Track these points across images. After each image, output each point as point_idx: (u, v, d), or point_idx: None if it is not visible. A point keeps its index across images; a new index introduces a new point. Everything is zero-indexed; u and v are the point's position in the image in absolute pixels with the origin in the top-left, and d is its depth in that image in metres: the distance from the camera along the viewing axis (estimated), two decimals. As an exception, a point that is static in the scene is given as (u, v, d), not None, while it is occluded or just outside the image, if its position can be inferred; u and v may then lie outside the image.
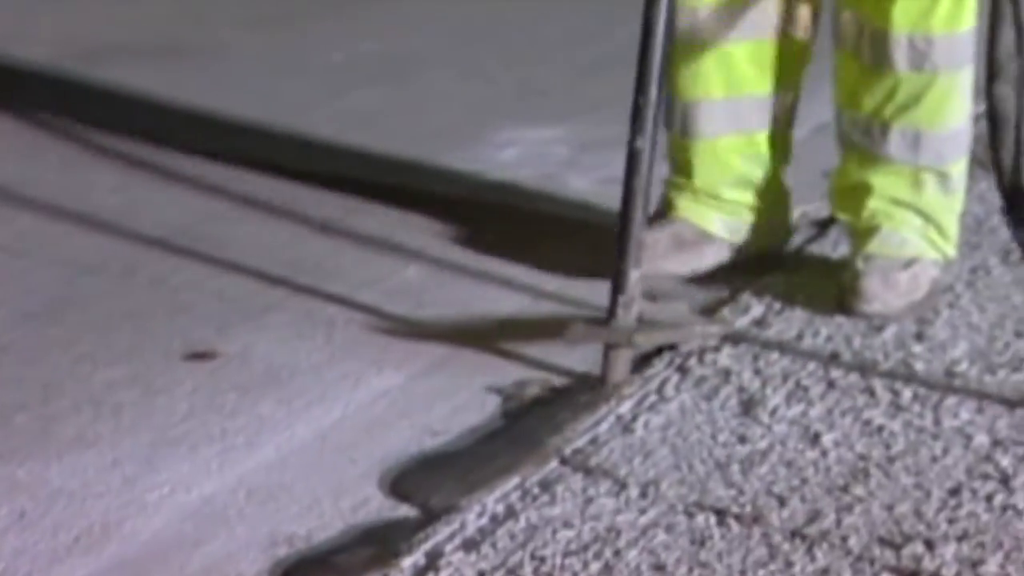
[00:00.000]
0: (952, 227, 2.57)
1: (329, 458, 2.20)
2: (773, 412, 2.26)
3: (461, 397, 2.35)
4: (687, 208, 2.68)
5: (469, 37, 4.01)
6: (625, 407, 2.29)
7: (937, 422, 2.22)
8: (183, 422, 2.27)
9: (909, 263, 2.53)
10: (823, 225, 2.86)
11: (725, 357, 2.41)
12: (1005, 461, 2.11)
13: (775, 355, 2.41)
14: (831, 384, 2.33)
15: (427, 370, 2.44)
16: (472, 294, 2.67)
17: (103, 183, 3.12)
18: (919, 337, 2.45)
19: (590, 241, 2.77)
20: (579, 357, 2.42)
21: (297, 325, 2.56)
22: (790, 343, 2.45)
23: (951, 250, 2.57)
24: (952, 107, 2.50)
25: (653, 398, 2.31)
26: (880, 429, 2.20)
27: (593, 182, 3.12)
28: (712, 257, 2.68)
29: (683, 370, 2.38)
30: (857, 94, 2.53)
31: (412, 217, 2.96)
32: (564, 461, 2.16)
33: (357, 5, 4.23)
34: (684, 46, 2.58)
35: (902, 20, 2.45)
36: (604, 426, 2.24)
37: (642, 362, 2.40)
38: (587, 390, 2.36)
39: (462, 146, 3.30)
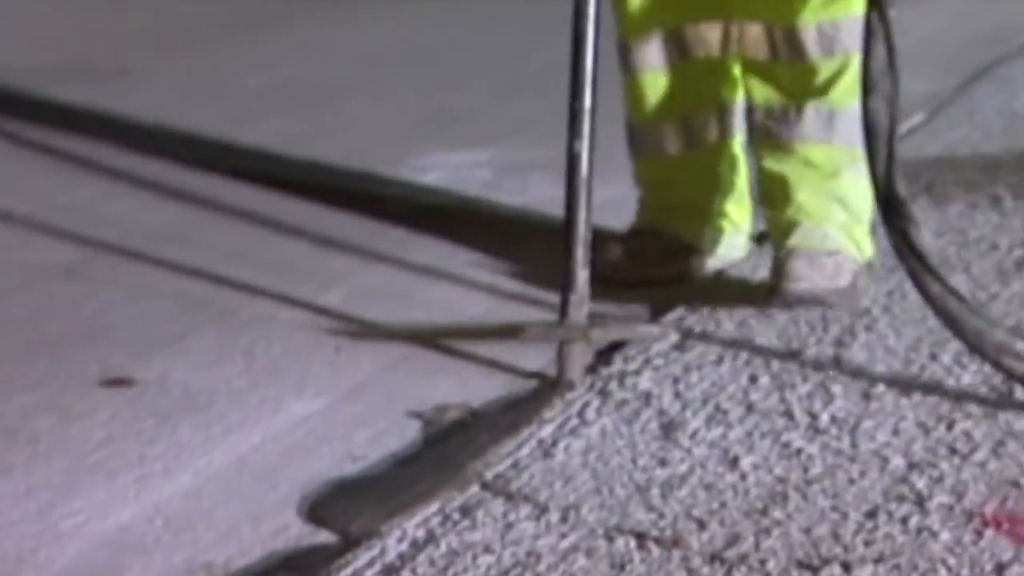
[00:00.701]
0: (863, 230, 2.65)
1: (248, 484, 2.18)
2: (693, 435, 2.27)
3: (382, 422, 2.35)
4: (667, 222, 2.79)
5: (384, 63, 4.02)
6: (546, 431, 2.30)
7: (854, 445, 2.24)
8: (100, 449, 2.25)
9: (832, 253, 2.62)
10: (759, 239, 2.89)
11: (646, 380, 2.43)
12: (920, 483, 2.14)
13: (695, 378, 2.43)
14: (750, 407, 2.35)
15: (348, 395, 2.43)
16: (399, 313, 2.67)
17: (18, 208, 3.09)
18: (837, 361, 2.48)
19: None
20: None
21: (217, 350, 2.55)
22: (711, 364, 2.47)
23: (867, 250, 2.65)
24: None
25: (574, 422, 2.32)
26: (798, 452, 2.22)
27: (514, 206, 3.14)
28: (695, 267, 2.80)
29: (604, 394, 2.39)
30: (773, 87, 2.64)
31: (333, 241, 2.96)
32: (485, 486, 2.16)
33: (271, 31, 4.22)
34: (636, 73, 2.73)
35: (807, 12, 2.58)
36: (525, 450, 2.25)
37: (568, 386, 2.41)
38: (508, 412, 2.37)
39: (383, 171, 3.30)
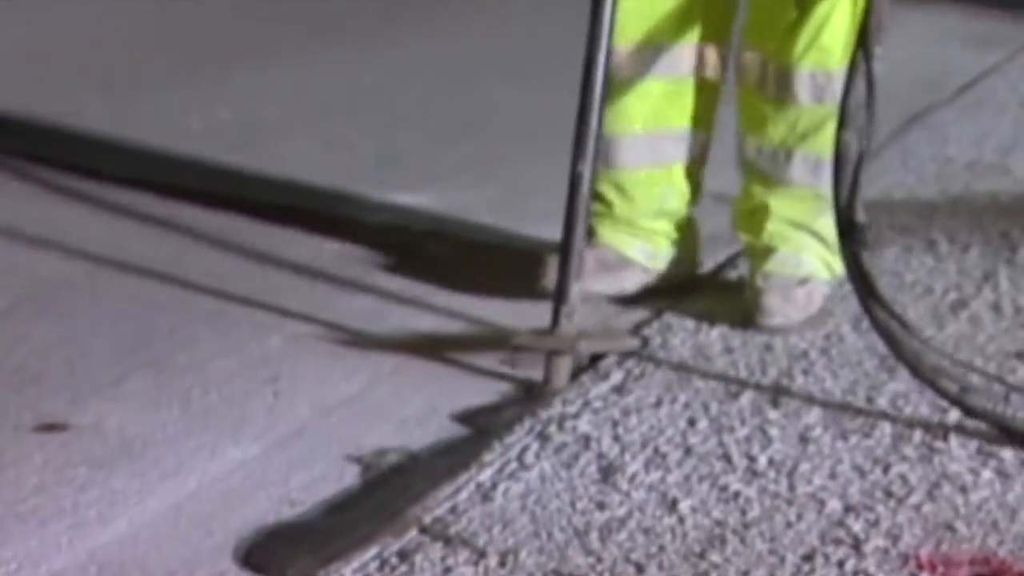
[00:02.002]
0: (833, 248, 2.70)
1: (184, 530, 2.16)
2: (632, 479, 2.27)
3: (319, 467, 2.33)
4: (608, 235, 2.83)
5: (325, 105, 4.01)
6: (485, 475, 2.29)
7: (792, 488, 2.25)
8: (32, 496, 2.22)
9: (804, 281, 2.74)
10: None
11: (585, 424, 2.43)
12: (857, 526, 2.14)
13: (634, 421, 2.43)
14: (688, 450, 2.35)
15: (286, 440, 2.42)
16: (335, 358, 2.66)
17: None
18: (774, 403, 2.49)
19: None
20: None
21: (152, 395, 2.52)
22: (648, 409, 2.47)
23: (838, 266, 2.69)
24: None
25: (513, 466, 2.31)
26: (736, 495, 2.23)
27: (455, 248, 3.13)
28: (632, 281, 2.85)
29: (543, 437, 2.39)
30: (763, 124, 2.74)
31: (271, 287, 2.94)
32: (423, 530, 2.15)
33: (213, 72, 4.21)
34: (608, 84, 2.72)
35: (803, 58, 2.66)
36: (464, 494, 2.24)
37: (507, 429, 2.41)
38: (447, 456, 2.36)
39: (326, 214, 3.29)
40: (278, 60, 4.37)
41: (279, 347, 2.70)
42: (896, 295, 2.86)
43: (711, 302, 2.83)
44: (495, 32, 4.80)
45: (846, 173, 2.45)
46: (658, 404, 2.48)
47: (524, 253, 2.99)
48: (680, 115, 2.80)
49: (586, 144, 2.55)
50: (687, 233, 2.88)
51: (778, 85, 2.70)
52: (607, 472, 2.29)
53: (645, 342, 2.68)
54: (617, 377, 2.57)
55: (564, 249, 2.55)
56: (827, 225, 2.64)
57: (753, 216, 2.79)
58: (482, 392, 2.58)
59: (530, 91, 4.12)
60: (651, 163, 2.82)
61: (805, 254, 2.76)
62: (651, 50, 2.76)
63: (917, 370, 2.40)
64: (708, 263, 2.97)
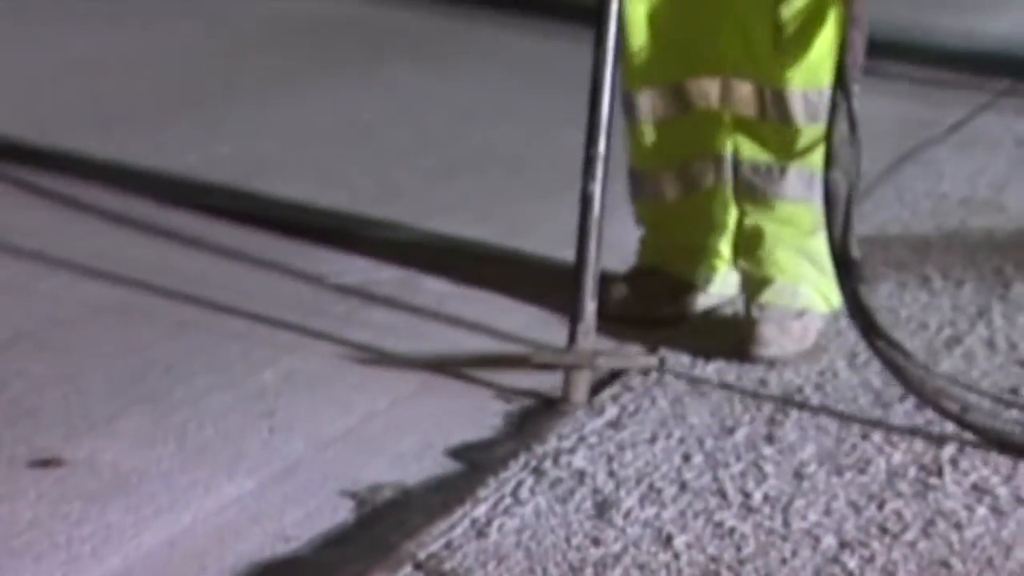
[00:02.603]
0: (830, 279, 2.70)
1: (178, 566, 2.14)
2: (627, 514, 2.26)
3: (314, 502, 2.32)
4: (665, 260, 2.91)
5: (323, 141, 4.01)
6: (480, 510, 2.27)
7: (786, 524, 2.23)
8: (27, 531, 2.21)
9: (800, 313, 2.76)
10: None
11: (580, 459, 2.41)
12: (852, 563, 2.13)
13: (629, 456, 2.42)
14: (683, 486, 2.33)
15: (280, 475, 2.40)
16: (332, 394, 2.65)
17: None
18: (769, 439, 2.47)
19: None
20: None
21: (147, 430, 2.51)
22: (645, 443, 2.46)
23: (835, 297, 2.72)
24: None
25: (508, 501, 2.30)
26: (731, 531, 2.21)
27: (450, 284, 3.13)
28: (694, 305, 2.92)
29: (538, 472, 2.37)
30: (760, 145, 2.78)
31: (269, 320, 2.94)
32: (418, 566, 2.13)
33: (212, 108, 4.21)
34: (640, 123, 2.85)
35: (796, 79, 2.71)
36: (459, 530, 2.22)
37: (502, 464, 2.40)
38: (442, 492, 2.34)
39: (322, 249, 3.29)
40: (276, 96, 4.38)
41: (274, 382, 2.69)
42: (891, 330, 2.85)
43: (705, 336, 2.83)
44: (492, 69, 4.81)
45: (838, 211, 2.49)
46: (653, 439, 2.47)
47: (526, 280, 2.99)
48: (712, 143, 2.85)
49: (595, 166, 2.63)
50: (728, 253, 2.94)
51: (776, 108, 2.75)
52: (602, 508, 2.27)
53: (663, 362, 2.71)
54: (612, 412, 2.56)
55: (578, 268, 2.62)
56: (822, 243, 2.65)
57: (749, 243, 2.82)
58: (479, 428, 2.57)
59: (527, 129, 4.12)
60: (691, 193, 2.89)
61: (802, 285, 2.77)
62: (664, 90, 2.84)
63: (922, 394, 2.45)
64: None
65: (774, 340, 2.72)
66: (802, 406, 2.58)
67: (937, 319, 2.92)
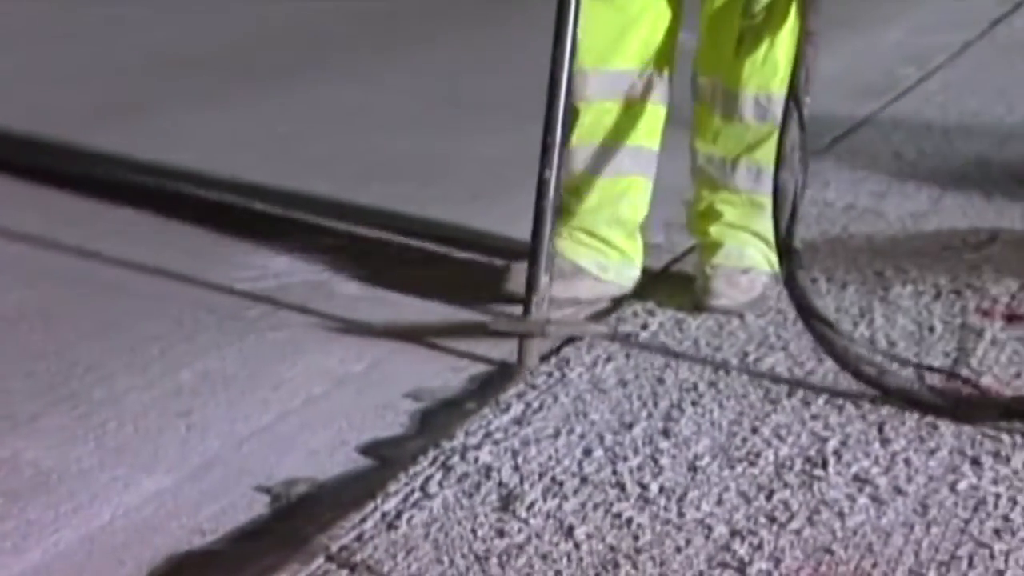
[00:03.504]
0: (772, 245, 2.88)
1: (97, 561, 2.11)
2: (530, 507, 2.25)
3: (230, 497, 2.30)
4: (565, 245, 2.98)
5: (238, 150, 3.98)
6: (390, 504, 2.26)
7: (681, 514, 2.24)
8: (-52, 528, 2.17)
9: (746, 270, 2.97)
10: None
11: (486, 454, 2.41)
12: (742, 550, 2.14)
13: (533, 451, 2.42)
14: (584, 479, 2.34)
15: (197, 471, 2.37)
16: (249, 393, 2.62)
17: None
18: (665, 434, 2.49)
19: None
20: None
21: (68, 429, 2.47)
22: (548, 437, 2.46)
23: (770, 266, 2.94)
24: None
25: (417, 495, 2.29)
26: (629, 522, 2.22)
27: (363, 286, 3.11)
28: (585, 290, 3.00)
29: (446, 467, 2.37)
30: (714, 137, 2.96)
31: (186, 321, 2.91)
32: (330, 558, 2.12)
33: (131, 119, 4.16)
34: (587, 102, 2.95)
35: (749, 82, 2.90)
36: (369, 523, 2.21)
37: (411, 460, 2.39)
38: (354, 486, 2.33)
39: (236, 253, 3.26)
40: (197, 108, 4.34)
41: (192, 382, 2.66)
42: (778, 331, 2.88)
43: (662, 295, 3.00)
44: (406, 80, 4.80)
45: (785, 206, 2.67)
46: (556, 435, 2.47)
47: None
48: (634, 134, 2.98)
49: (552, 154, 2.76)
50: (636, 246, 3.04)
51: (726, 105, 2.93)
52: (507, 501, 2.27)
53: (615, 332, 2.82)
54: (517, 409, 2.56)
55: (534, 243, 2.75)
56: (767, 227, 2.82)
57: (704, 218, 3.02)
58: (389, 426, 2.56)
59: (437, 138, 4.12)
60: (609, 174, 2.99)
61: (748, 248, 2.98)
62: (610, 75, 2.95)
63: (845, 362, 2.61)
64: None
65: (724, 292, 2.93)
66: (696, 403, 2.60)
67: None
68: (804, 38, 2.75)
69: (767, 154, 2.82)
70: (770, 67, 2.89)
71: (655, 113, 2.98)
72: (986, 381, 2.66)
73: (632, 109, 2.96)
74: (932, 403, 2.53)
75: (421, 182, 3.75)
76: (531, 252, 2.75)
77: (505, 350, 2.77)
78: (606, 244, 3.01)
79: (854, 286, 3.10)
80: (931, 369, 2.65)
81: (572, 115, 2.90)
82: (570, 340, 2.80)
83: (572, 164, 2.95)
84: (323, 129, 4.18)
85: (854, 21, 5.13)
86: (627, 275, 3.03)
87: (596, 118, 2.95)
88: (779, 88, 2.83)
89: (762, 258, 2.98)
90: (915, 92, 4.66)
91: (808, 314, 2.65)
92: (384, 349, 2.84)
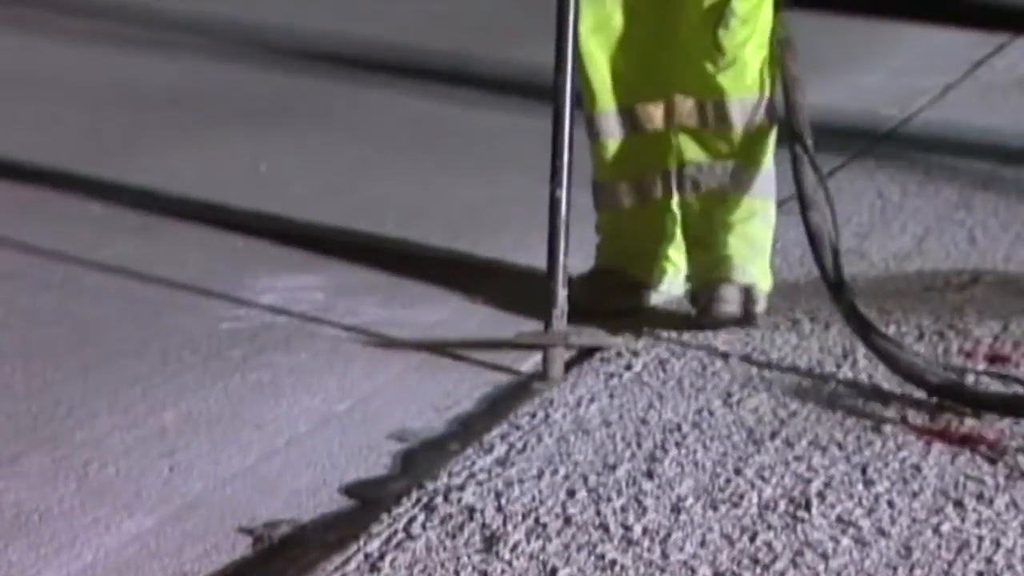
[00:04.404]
0: (767, 257, 3.16)
1: (78, 603, 2.11)
2: (514, 548, 2.25)
3: (212, 539, 2.29)
4: (615, 259, 3.20)
5: (225, 190, 3.98)
6: (373, 545, 2.26)
7: (665, 556, 2.24)
8: (-71, 570, 2.15)
9: (747, 286, 3.10)
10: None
11: (470, 495, 2.40)
12: (726, 592, 2.14)
13: (516, 492, 2.42)
14: (568, 520, 2.34)
15: (180, 512, 2.37)
16: (230, 433, 2.62)
17: None
18: (649, 475, 2.49)
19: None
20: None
21: (50, 470, 2.46)
22: (532, 479, 2.46)
23: (767, 284, 3.15)
24: (766, 152, 3.12)
25: (400, 536, 2.28)
26: (613, 563, 2.21)
27: (347, 327, 3.11)
28: (641, 299, 3.21)
29: (429, 508, 2.36)
30: (701, 148, 3.11)
31: (170, 362, 2.90)
32: (313, 600, 2.11)
33: (115, 160, 4.17)
34: (599, 140, 3.16)
35: (731, 89, 3.06)
36: (352, 564, 2.20)
37: (394, 501, 2.38)
38: (337, 527, 2.32)
39: (221, 293, 3.26)
40: (186, 143, 4.35)
41: (175, 423, 2.66)
42: (761, 372, 2.89)
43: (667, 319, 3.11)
44: (388, 123, 4.82)
45: (824, 245, 2.87)
46: (539, 476, 2.47)
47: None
48: (662, 159, 3.16)
49: (561, 175, 2.93)
50: (681, 255, 3.22)
51: (716, 116, 3.08)
52: (490, 542, 2.27)
53: (627, 345, 2.97)
54: (501, 450, 2.56)
55: (550, 261, 2.92)
56: (759, 235, 3.11)
57: (699, 232, 3.15)
58: (372, 467, 2.55)
59: (419, 181, 4.12)
60: (645, 201, 3.18)
61: (749, 266, 3.11)
62: (617, 113, 3.14)
63: (912, 376, 2.75)
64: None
65: (733, 300, 3.06)
66: (680, 443, 2.60)
67: (805, 360, 2.95)
68: (792, 86, 2.97)
69: (755, 156, 3.08)
70: (746, 74, 3.05)
71: (666, 137, 3.16)
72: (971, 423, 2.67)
73: (657, 138, 3.15)
74: (995, 402, 2.68)
75: (400, 224, 3.75)
76: (549, 269, 2.92)
77: (489, 386, 2.77)
78: (654, 257, 3.22)
79: (837, 327, 3.11)
80: (987, 375, 2.83)
81: (598, 151, 3.14)
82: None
83: (609, 198, 3.19)
84: (301, 171, 4.18)
85: (836, 64, 5.16)
86: (677, 283, 3.24)
87: (624, 153, 3.15)
88: (759, 89, 3.06)
89: (762, 276, 3.13)
90: (898, 133, 4.68)
91: (872, 336, 2.80)
92: (367, 389, 2.84)
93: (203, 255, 3.49)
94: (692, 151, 3.11)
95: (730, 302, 3.06)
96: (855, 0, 3.14)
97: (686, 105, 3.10)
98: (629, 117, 3.15)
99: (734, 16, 3.03)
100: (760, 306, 3.09)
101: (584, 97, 3.12)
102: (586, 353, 2.92)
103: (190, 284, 3.31)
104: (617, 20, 3.11)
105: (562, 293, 2.91)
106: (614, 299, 3.15)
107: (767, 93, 3.09)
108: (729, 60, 3.05)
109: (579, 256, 3.11)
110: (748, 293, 3.09)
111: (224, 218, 3.74)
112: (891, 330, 3.06)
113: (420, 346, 2.99)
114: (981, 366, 2.90)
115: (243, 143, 4.43)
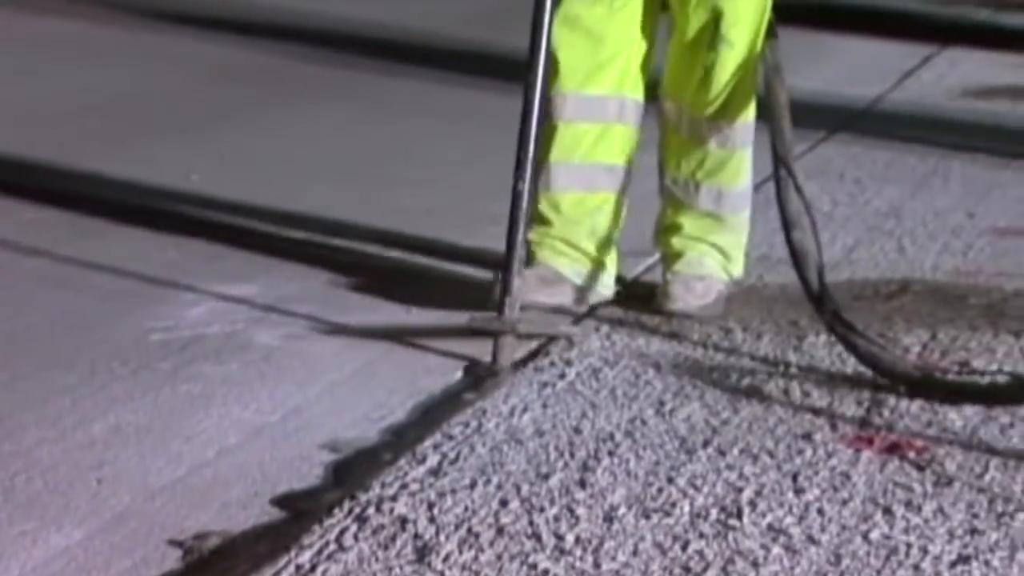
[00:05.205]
0: (738, 256, 3.27)
1: (4, 618, 2.07)
2: (446, 559, 2.24)
3: (141, 552, 2.26)
4: (548, 255, 3.21)
5: (158, 199, 3.95)
6: (304, 557, 2.24)
7: (597, 565, 2.23)
8: None
9: (702, 277, 3.20)
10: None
11: (402, 505, 2.39)
12: (658, 601, 2.14)
13: (449, 503, 2.40)
14: (501, 530, 2.33)
15: (109, 525, 2.33)
16: (159, 448, 2.59)
17: None
18: (582, 484, 2.48)
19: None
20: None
21: (-24, 483, 2.42)
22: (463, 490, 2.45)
23: (736, 272, 3.27)
24: (743, 173, 3.24)
25: (332, 547, 2.27)
26: (545, 573, 2.21)
27: (279, 338, 3.09)
28: (568, 296, 3.22)
29: (361, 519, 2.35)
30: (678, 160, 3.22)
31: (98, 373, 2.87)
32: (243, 613, 2.09)
33: (49, 167, 4.12)
34: (549, 122, 3.17)
35: (711, 112, 3.14)
36: (284, 576, 2.19)
37: (326, 512, 2.36)
38: (267, 539, 2.30)
39: (151, 304, 3.23)
40: (124, 151, 4.31)
41: (104, 435, 2.62)
42: (694, 381, 2.90)
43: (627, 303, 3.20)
44: (317, 130, 4.80)
45: (809, 265, 2.97)
46: (472, 486, 2.46)
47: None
48: (609, 153, 3.19)
49: (524, 168, 2.99)
50: (612, 257, 3.25)
51: (691, 130, 3.18)
52: (423, 553, 2.25)
53: (584, 332, 3.07)
54: (434, 460, 2.55)
55: (508, 249, 2.97)
56: (725, 240, 3.22)
57: (668, 232, 3.25)
58: (304, 478, 2.53)
59: (349, 188, 4.11)
60: (586, 189, 3.20)
61: (706, 258, 3.22)
62: (588, 99, 3.17)
63: (895, 375, 2.84)
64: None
65: (680, 297, 3.17)
66: (612, 452, 2.60)
67: (738, 369, 2.96)
68: (780, 110, 3.04)
69: (727, 177, 3.19)
70: (731, 97, 3.13)
71: (628, 134, 3.20)
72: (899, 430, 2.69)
73: (608, 131, 3.18)
74: (974, 393, 2.79)
75: (335, 231, 3.73)
76: (506, 259, 2.97)
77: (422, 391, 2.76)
78: (584, 254, 3.21)
79: (769, 335, 3.13)
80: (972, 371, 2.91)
81: (549, 132, 3.14)
82: (492, 389, 2.82)
83: (551, 179, 3.17)
84: (236, 178, 4.15)
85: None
86: (604, 283, 3.25)
87: (574, 138, 3.17)
88: (739, 117, 3.15)
89: (718, 267, 3.23)
90: (828, 143, 4.72)
91: (857, 343, 2.87)
92: (299, 399, 2.81)
93: (135, 264, 3.45)
94: (672, 164, 3.21)
95: (677, 300, 3.15)
96: (784, 11, 3.16)
97: (670, 108, 3.19)
98: (601, 105, 3.19)
99: (723, 41, 3.11)
100: (711, 297, 3.18)
101: (553, 73, 3.14)
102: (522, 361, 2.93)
103: (121, 294, 3.28)
104: (599, 13, 3.13)
105: (517, 282, 2.97)
106: (544, 293, 3.18)
107: (747, 121, 3.18)
108: (713, 85, 3.12)
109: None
110: (699, 284, 3.18)
111: (157, 227, 3.71)
112: (822, 339, 3.09)
113: (375, 333, 3.04)
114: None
115: (176, 151, 4.40)
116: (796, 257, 2.98)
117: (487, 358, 2.95)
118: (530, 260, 3.18)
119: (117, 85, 5.20)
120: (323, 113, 4.99)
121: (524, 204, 2.98)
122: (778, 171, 3.02)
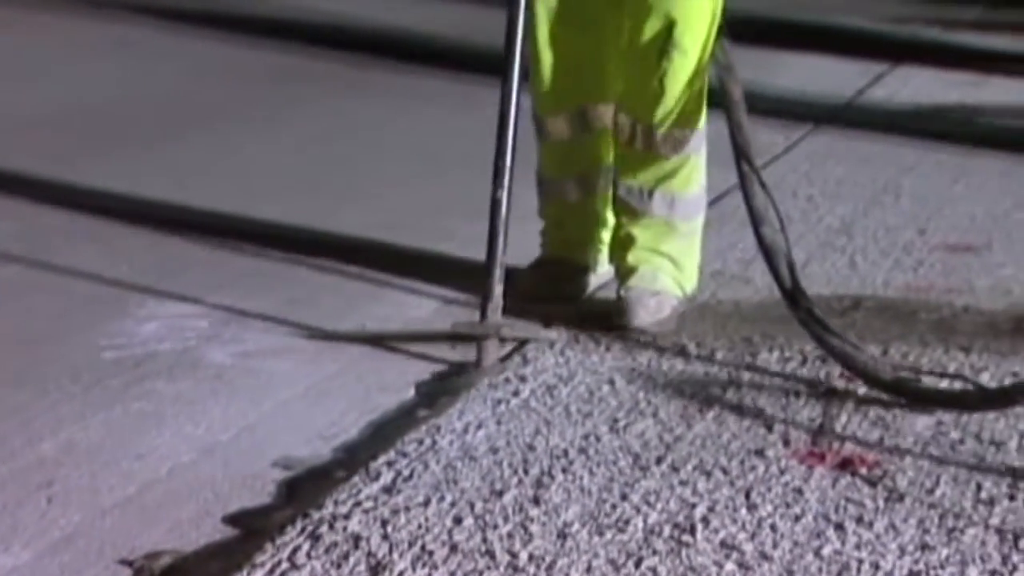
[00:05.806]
0: (691, 269, 3.34)
1: (-50, 640, 2.04)
2: (399, 576, 2.23)
3: (91, 572, 2.23)
4: (568, 251, 3.41)
5: (108, 213, 3.92)
6: (258, 575, 2.22)
7: (551, 582, 2.23)
8: None
9: (656, 293, 3.25)
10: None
11: (355, 523, 2.38)
12: (612, 618, 2.14)
13: (403, 520, 2.39)
14: (454, 547, 2.32)
15: (58, 545, 2.31)
16: (114, 461, 2.56)
17: None
18: (536, 501, 2.48)
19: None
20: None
21: (-77, 503, 2.39)
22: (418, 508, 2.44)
23: (689, 286, 3.34)
24: (696, 178, 3.31)
25: (284, 566, 2.25)
26: (498, 590, 2.20)
27: (232, 355, 3.07)
28: (591, 283, 3.42)
29: (314, 537, 2.33)
30: (631, 170, 3.28)
31: (49, 391, 2.84)
32: (194, 633, 2.07)
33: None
34: (548, 141, 3.37)
35: (665, 120, 3.21)
36: (235, 595, 2.17)
37: (279, 530, 2.35)
38: (219, 558, 2.28)
39: (103, 321, 3.20)
40: (74, 168, 4.27)
41: (53, 453, 2.59)
42: (649, 397, 2.90)
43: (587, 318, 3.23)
44: (272, 146, 4.78)
45: (780, 260, 2.99)
46: (426, 503, 2.45)
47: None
48: (601, 157, 3.35)
49: (503, 177, 3.08)
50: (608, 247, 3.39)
51: (645, 141, 3.23)
52: (376, 571, 2.24)
53: (555, 338, 3.13)
54: (387, 477, 2.53)
55: (489, 258, 3.05)
56: (678, 249, 3.29)
57: (623, 245, 3.31)
58: (256, 496, 2.51)
59: (303, 206, 4.09)
60: (586, 196, 3.38)
61: (660, 273, 3.28)
62: (575, 114, 3.32)
63: (867, 375, 2.88)
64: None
65: (634, 313, 3.20)
66: (566, 469, 2.59)
67: (691, 385, 2.97)
68: (734, 106, 3.08)
69: (680, 183, 3.26)
70: (685, 104, 3.19)
71: (609, 137, 3.33)
72: (850, 446, 2.70)
73: (598, 138, 3.34)
74: (944, 398, 2.84)
75: (289, 247, 3.72)
76: (487, 265, 3.05)
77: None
78: (598, 243, 3.41)
79: (722, 352, 3.13)
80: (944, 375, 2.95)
81: (550, 150, 3.34)
82: (443, 406, 2.81)
83: (555, 192, 3.39)
84: (192, 193, 4.13)
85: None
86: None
87: (569, 153, 3.35)
88: (691, 123, 3.22)
89: (672, 282, 3.29)
90: (781, 160, 4.75)
91: (829, 339, 2.91)
92: (252, 417, 2.80)
93: (87, 281, 3.42)
94: (624, 172, 3.28)
95: (631, 316, 3.19)
96: (737, 29, 3.18)
97: (622, 121, 3.25)
98: (579, 119, 3.33)
99: (676, 48, 3.16)
100: (664, 313, 3.23)
101: (534, 100, 3.33)
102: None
103: (72, 311, 3.25)
104: (570, 33, 3.27)
105: (498, 288, 3.05)
106: (560, 286, 3.36)
107: (700, 127, 3.24)
108: (667, 92, 3.18)
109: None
110: (653, 300, 3.22)
111: (109, 241, 3.68)
112: (775, 355, 3.10)
113: (357, 338, 3.09)
114: (863, 389, 2.94)
115: (128, 165, 4.37)
116: (767, 253, 3.02)
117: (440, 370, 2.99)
118: (550, 257, 3.38)
119: (63, 93, 5.16)
120: (283, 129, 4.97)
121: (503, 212, 3.07)
122: (740, 165, 3.07)
